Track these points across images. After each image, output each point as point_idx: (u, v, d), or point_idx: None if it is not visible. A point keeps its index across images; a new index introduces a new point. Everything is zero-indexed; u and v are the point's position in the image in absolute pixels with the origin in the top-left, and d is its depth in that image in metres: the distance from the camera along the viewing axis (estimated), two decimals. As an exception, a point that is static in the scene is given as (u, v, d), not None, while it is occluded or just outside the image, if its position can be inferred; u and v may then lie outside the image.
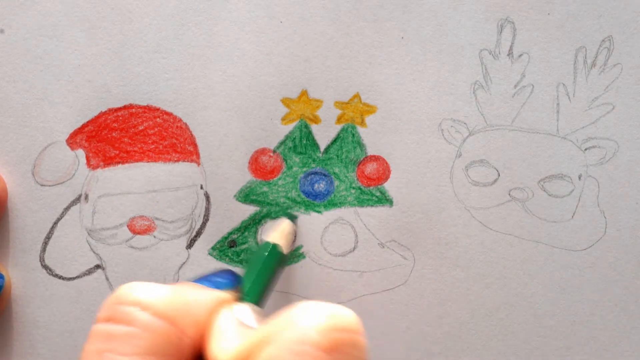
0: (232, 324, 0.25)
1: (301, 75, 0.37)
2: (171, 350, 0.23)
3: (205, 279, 0.28)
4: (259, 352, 0.22)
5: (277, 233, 0.35)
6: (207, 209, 0.38)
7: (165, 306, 0.23)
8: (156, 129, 0.37)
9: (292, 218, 0.37)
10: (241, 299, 0.28)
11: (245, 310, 0.26)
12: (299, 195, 0.38)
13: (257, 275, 0.31)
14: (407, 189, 0.38)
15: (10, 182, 0.37)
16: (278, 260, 0.33)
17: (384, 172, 0.38)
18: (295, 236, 0.37)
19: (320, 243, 0.38)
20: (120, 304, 0.23)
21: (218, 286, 0.27)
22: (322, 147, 0.38)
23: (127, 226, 0.37)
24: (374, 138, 0.38)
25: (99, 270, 0.38)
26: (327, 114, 0.37)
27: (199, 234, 0.38)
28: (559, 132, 0.38)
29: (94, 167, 0.37)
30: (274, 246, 0.33)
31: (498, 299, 0.38)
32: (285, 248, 0.34)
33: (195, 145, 0.37)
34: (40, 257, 0.37)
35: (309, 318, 0.23)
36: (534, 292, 0.38)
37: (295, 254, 0.38)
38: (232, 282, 0.28)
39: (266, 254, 0.32)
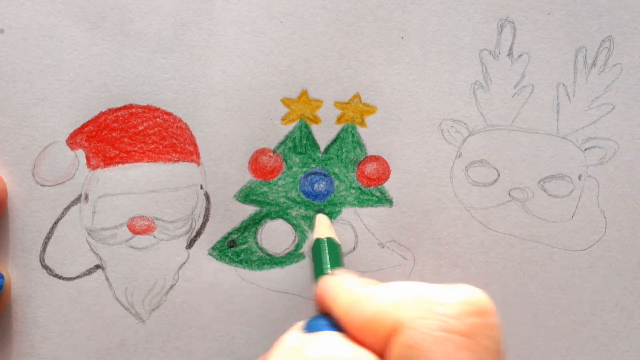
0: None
1: (301, 75, 0.37)
2: None
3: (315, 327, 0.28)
4: (397, 334, 0.23)
5: (322, 228, 0.36)
6: (207, 209, 0.38)
7: None
8: (156, 129, 0.37)
9: (322, 212, 0.38)
10: None
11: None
12: (299, 195, 0.38)
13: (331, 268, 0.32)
14: (407, 189, 0.38)
15: (10, 182, 0.37)
16: (338, 251, 0.34)
17: (384, 172, 0.38)
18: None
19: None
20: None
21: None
22: (322, 147, 0.38)
23: (127, 226, 0.37)
24: (374, 138, 0.38)
25: (99, 270, 0.37)
26: (327, 114, 0.37)
27: (199, 234, 0.38)
28: (559, 132, 0.38)
29: (94, 167, 0.37)
30: (329, 240, 0.34)
31: (498, 299, 0.38)
32: (336, 238, 0.35)
33: (195, 145, 0.37)
34: (40, 257, 0.37)
35: (445, 303, 0.23)
36: (534, 292, 0.38)
37: (295, 254, 0.38)
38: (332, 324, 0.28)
39: (326, 249, 0.33)
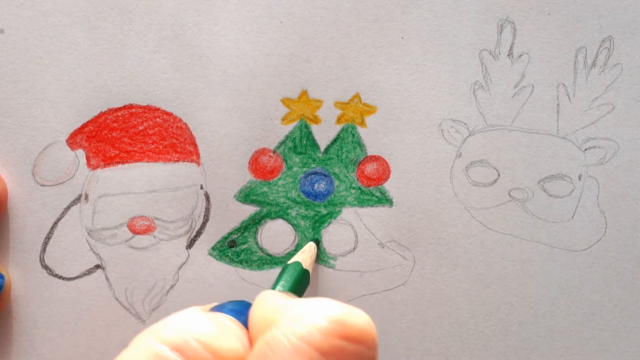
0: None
1: (301, 75, 0.37)
2: None
3: (223, 308, 0.27)
4: (266, 330, 0.22)
5: (301, 254, 0.36)
6: (207, 209, 0.38)
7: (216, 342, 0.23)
8: (156, 129, 0.37)
9: (317, 242, 0.38)
10: None
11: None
12: (299, 195, 0.38)
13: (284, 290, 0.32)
14: (407, 189, 0.38)
15: (10, 182, 0.37)
16: (301, 277, 0.34)
17: (384, 172, 0.38)
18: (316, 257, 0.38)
19: (320, 243, 0.38)
20: (190, 337, 0.23)
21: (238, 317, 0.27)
22: (322, 147, 0.38)
23: (127, 226, 0.37)
24: (374, 138, 0.38)
25: (99, 270, 0.38)
26: (327, 114, 0.37)
27: (199, 234, 0.38)
28: (559, 132, 0.38)
29: (94, 167, 0.37)
30: (297, 264, 0.34)
31: (498, 299, 0.38)
32: (309, 267, 0.35)
33: (195, 145, 0.37)
34: (40, 257, 0.37)
35: (319, 316, 0.22)
36: (534, 292, 0.38)
37: (295, 254, 0.38)
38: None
39: (291, 272, 0.33)
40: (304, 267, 0.34)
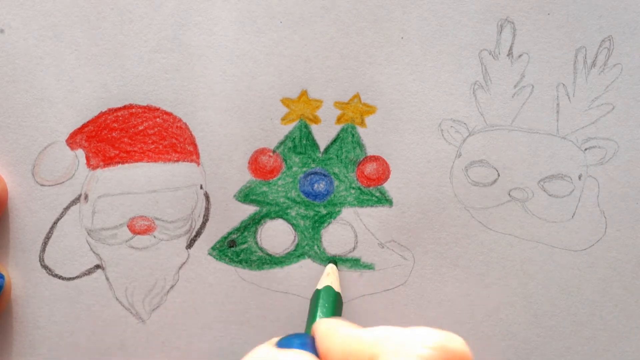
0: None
1: (301, 75, 0.37)
2: None
3: (292, 344, 0.28)
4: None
5: (327, 277, 0.37)
6: (207, 209, 0.38)
7: None
8: (156, 129, 0.37)
9: (335, 263, 0.38)
10: None
11: None
12: (298, 195, 0.38)
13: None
14: (407, 189, 0.38)
15: (10, 182, 0.37)
16: (337, 301, 0.35)
17: (384, 172, 0.38)
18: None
19: (320, 243, 0.38)
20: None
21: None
22: (322, 147, 0.38)
23: (127, 226, 0.37)
24: (374, 138, 0.38)
25: (99, 270, 0.38)
26: (327, 114, 0.37)
27: (198, 234, 0.38)
28: (559, 132, 0.38)
29: (94, 167, 0.37)
30: (329, 288, 0.35)
31: (498, 299, 0.38)
32: (337, 288, 0.36)
33: (195, 145, 0.37)
34: (40, 257, 0.37)
35: (421, 345, 0.23)
36: (534, 292, 0.38)
37: (295, 254, 0.38)
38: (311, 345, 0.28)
39: (329, 298, 0.34)
40: (336, 290, 0.35)
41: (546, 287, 0.38)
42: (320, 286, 0.36)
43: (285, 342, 0.27)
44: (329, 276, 0.37)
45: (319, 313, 0.33)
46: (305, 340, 0.27)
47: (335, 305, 0.34)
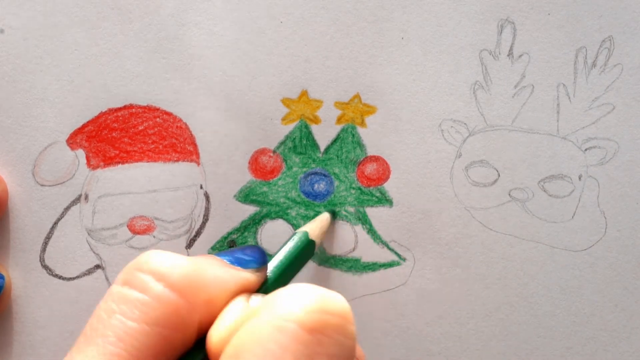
0: (241, 308, 0.25)
1: (301, 75, 0.37)
2: (178, 324, 0.23)
3: (231, 254, 0.27)
4: (244, 324, 0.22)
5: (313, 223, 0.35)
6: (207, 209, 0.38)
7: (180, 279, 0.23)
8: (156, 129, 0.37)
9: (334, 215, 0.37)
10: (263, 283, 0.28)
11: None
12: (298, 196, 0.38)
13: (282, 260, 0.30)
14: (407, 189, 0.38)
15: (10, 182, 0.37)
16: (306, 249, 0.32)
17: (384, 173, 0.38)
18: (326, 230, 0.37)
19: (320, 243, 0.38)
20: (138, 270, 0.23)
21: (242, 264, 0.26)
22: (322, 148, 0.38)
23: (127, 226, 0.37)
24: (374, 138, 0.38)
25: (99, 270, 0.38)
26: (327, 114, 0.37)
27: (198, 234, 0.38)
28: (559, 132, 0.38)
29: (94, 167, 0.37)
30: (305, 234, 0.33)
31: (498, 299, 0.38)
32: (316, 237, 0.34)
33: (195, 145, 0.37)
34: (40, 257, 0.37)
35: (298, 297, 0.22)
36: (534, 292, 0.38)
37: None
38: (258, 261, 0.27)
39: (296, 239, 0.32)
40: (311, 238, 0.33)
41: (546, 287, 0.38)
42: (299, 230, 0.34)
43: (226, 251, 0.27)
44: (314, 222, 0.35)
45: (279, 253, 0.31)
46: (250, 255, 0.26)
47: (301, 250, 0.32)
